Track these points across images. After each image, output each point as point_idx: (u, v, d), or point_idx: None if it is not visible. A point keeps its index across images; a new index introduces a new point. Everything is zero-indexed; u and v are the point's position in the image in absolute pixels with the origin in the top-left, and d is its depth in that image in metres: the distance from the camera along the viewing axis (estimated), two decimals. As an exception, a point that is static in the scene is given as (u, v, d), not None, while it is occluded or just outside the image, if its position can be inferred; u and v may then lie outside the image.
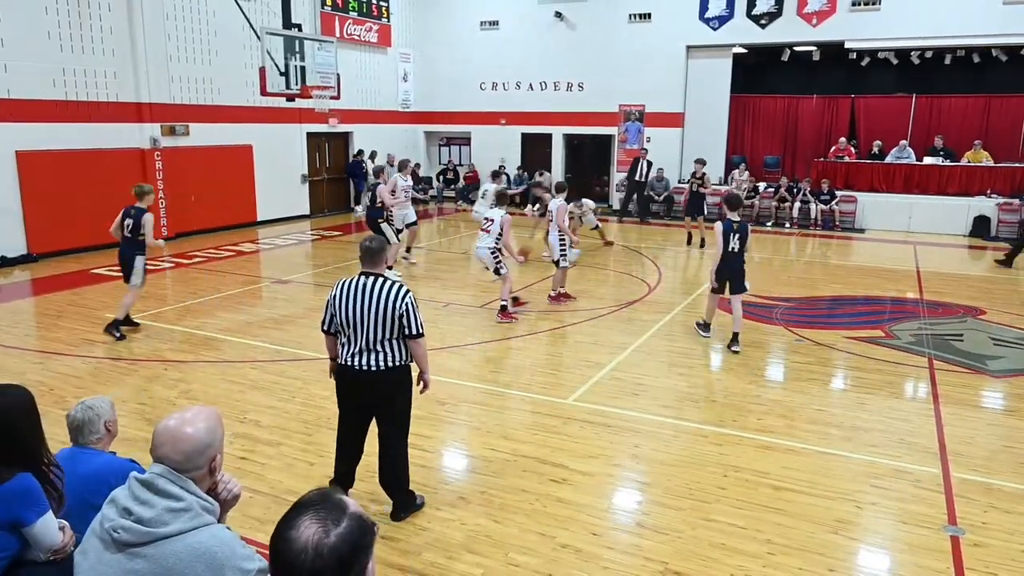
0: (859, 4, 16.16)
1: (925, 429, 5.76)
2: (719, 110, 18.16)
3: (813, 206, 16.81)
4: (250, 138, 15.61)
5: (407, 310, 4.09)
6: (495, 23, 19.89)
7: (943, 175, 16.26)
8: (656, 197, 18.40)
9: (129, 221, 8.02)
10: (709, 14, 17.53)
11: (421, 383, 4.41)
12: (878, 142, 17.48)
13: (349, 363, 4.18)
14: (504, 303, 8.76)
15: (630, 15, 18.28)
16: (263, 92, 12.54)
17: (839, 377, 7.17)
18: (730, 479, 4.87)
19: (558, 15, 18.94)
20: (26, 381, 4.94)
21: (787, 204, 17.11)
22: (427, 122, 21.37)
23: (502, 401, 6.39)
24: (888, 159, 17.09)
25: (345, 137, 18.81)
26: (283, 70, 12.62)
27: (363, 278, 4.16)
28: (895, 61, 17.52)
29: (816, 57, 17.95)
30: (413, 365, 4.34)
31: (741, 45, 17.68)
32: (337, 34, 17.12)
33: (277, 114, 15.89)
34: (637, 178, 17.62)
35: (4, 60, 11.37)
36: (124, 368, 7.02)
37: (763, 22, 17.06)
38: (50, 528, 2.63)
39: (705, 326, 8.24)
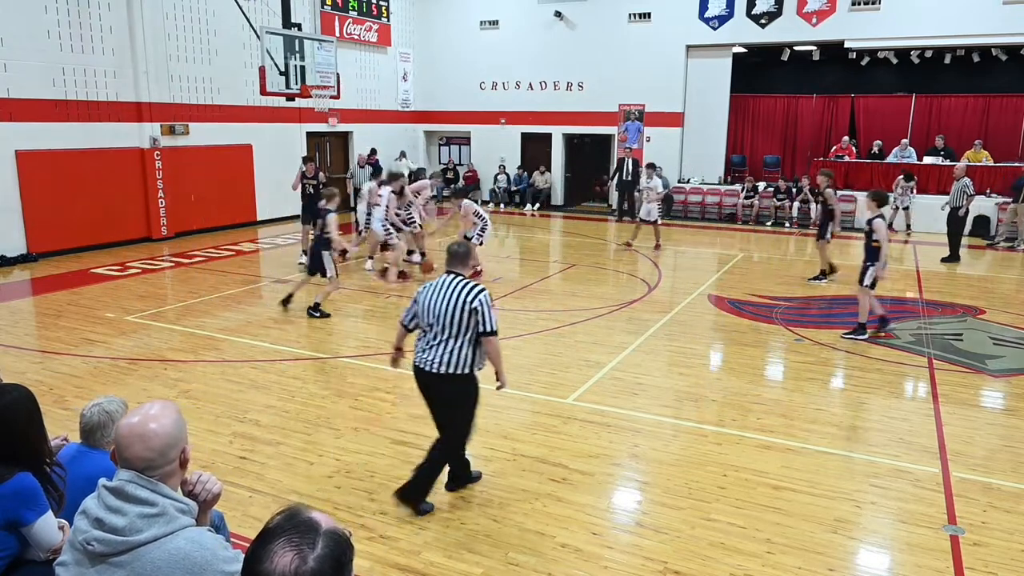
0: (859, 4, 16.17)
1: (925, 428, 5.76)
2: (719, 110, 18.17)
3: (813, 206, 16.80)
4: (250, 138, 15.60)
5: (480, 306, 4.22)
6: (495, 23, 19.89)
7: (943, 175, 16.25)
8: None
9: (319, 220, 8.71)
10: (709, 13, 17.53)
11: (499, 382, 4.51)
12: (878, 142, 17.49)
13: (418, 357, 4.38)
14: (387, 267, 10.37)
15: (630, 14, 18.27)
16: (263, 92, 12.54)
17: (839, 376, 7.18)
18: (730, 478, 4.87)
19: (558, 14, 18.94)
20: (26, 381, 4.94)
21: (786, 204, 17.11)
22: (427, 122, 21.37)
23: (502, 401, 6.38)
24: (890, 159, 17.09)
25: (345, 137, 18.80)
26: (283, 70, 12.62)
27: (446, 276, 4.38)
28: (895, 61, 17.51)
29: (816, 57, 17.96)
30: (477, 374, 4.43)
31: (741, 45, 17.68)
32: (337, 33, 17.12)
33: (277, 114, 15.88)
34: (624, 178, 17.67)
35: (3, 59, 11.36)
36: (124, 368, 7.02)
37: (763, 22, 17.06)
38: (50, 528, 2.64)
39: (862, 328, 8.11)
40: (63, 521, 2.72)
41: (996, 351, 7.83)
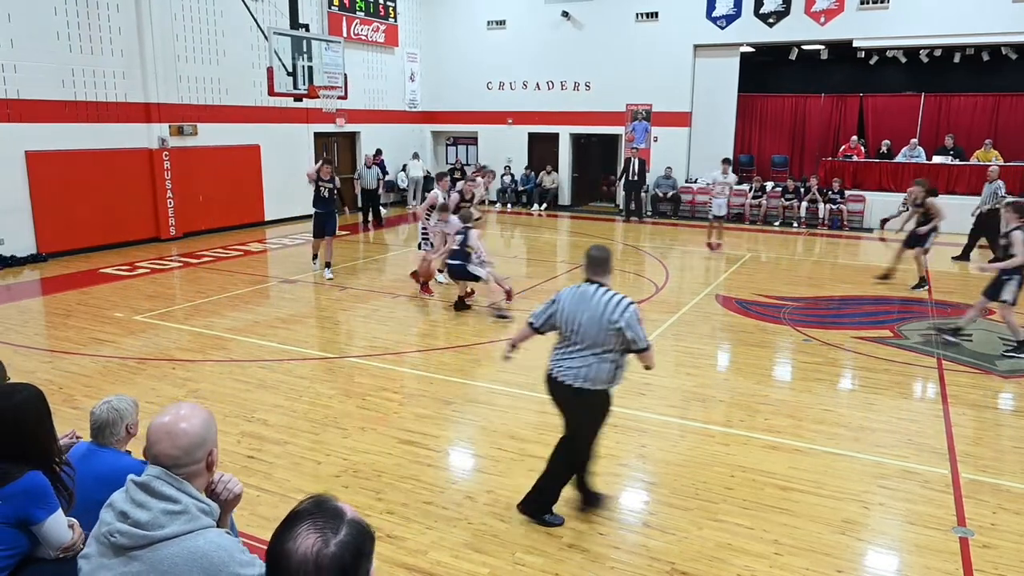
0: (867, 2, 16.10)
1: (933, 429, 5.73)
2: (726, 109, 18.12)
3: (821, 206, 16.76)
4: (258, 138, 15.66)
5: (628, 324, 3.96)
6: (502, 23, 19.90)
7: (952, 174, 16.17)
8: (663, 196, 18.42)
9: (460, 236, 8.95)
10: (716, 13, 17.49)
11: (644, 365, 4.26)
12: (887, 141, 17.41)
13: (554, 365, 4.20)
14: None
15: (637, 14, 18.26)
16: (271, 92, 12.57)
17: (847, 377, 7.15)
18: (737, 479, 4.86)
19: (565, 14, 18.94)
20: (36, 380, 4.97)
21: (794, 203, 17.06)
22: (434, 122, 21.39)
23: (508, 400, 6.39)
24: (899, 158, 17.01)
25: (352, 137, 18.84)
26: (291, 70, 12.64)
27: (587, 285, 4.14)
28: (904, 60, 17.44)
29: (824, 56, 17.90)
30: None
31: (748, 44, 17.64)
32: (344, 34, 17.15)
33: (285, 114, 15.93)
34: (631, 178, 17.68)
35: (13, 61, 11.44)
36: (132, 367, 7.05)
37: (771, 21, 17.01)
38: (60, 526, 2.65)
39: (1021, 346, 7.56)
40: (73, 520, 2.73)
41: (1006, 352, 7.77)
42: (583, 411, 4.16)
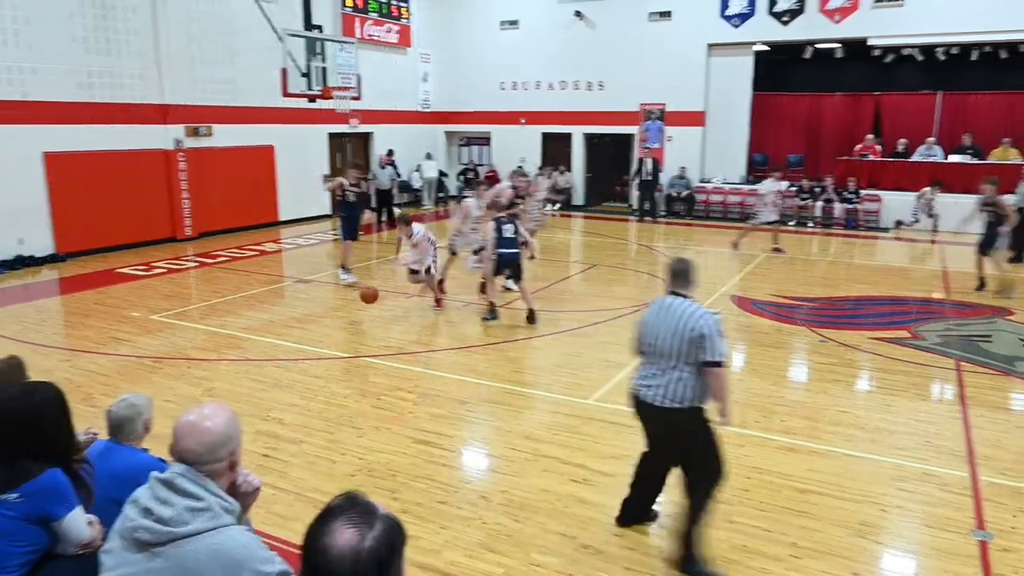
0: (882, 0, 15.96)
1: (952, 431, 5.68)
2: (741, 108, 18.03)
3: (836, 205, 16.63)
4: (272, 139, 15.74)
5: (706, 332, 3.70)
6: (514, 23, 19.90)
7: (970, 174, 15.99)
8: (677, 196, 18.36)
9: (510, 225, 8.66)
10: (730, 11, 17.41)
11: (722, 417, 3.88)
12: (903, 140, 17.24)
13: (639, 387, 3.93)
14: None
15: (650, 13, 18.20)
16: (285, 93, 12.62)
17: (864, 378, 7.09)
18: (753, 481, 4.83)
19: (578, 14, 18.91)
20: (55, 378, 5.00)
21: (809, 203, 16.94)
22: (447, 122, 21.42)
23: (523, 401, 6.38)
24: (915, 157, 16.84)
25: (366, 137, 18.90)
26: (304, 71, 12.70)
27: (671, 298, 3.93)
28: (920, 58, 17.24)
29: (839, 54, 17.75)
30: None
31: (763, 43, 17.53)
32: (358, 35, 17.21)
33: (298, 115, 16.00)
34: (644, 178, 17.64)
35: (31, 63, 11.57)
36: (149, 366, 7.11)
37: (785, 19, 16.91)
38: (79, 523, 2.68)
39: None
40: (92, 516, 2.76)
41: (1025, 353, 7.69)
42: (681, 432, 3.83)
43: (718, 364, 3.73)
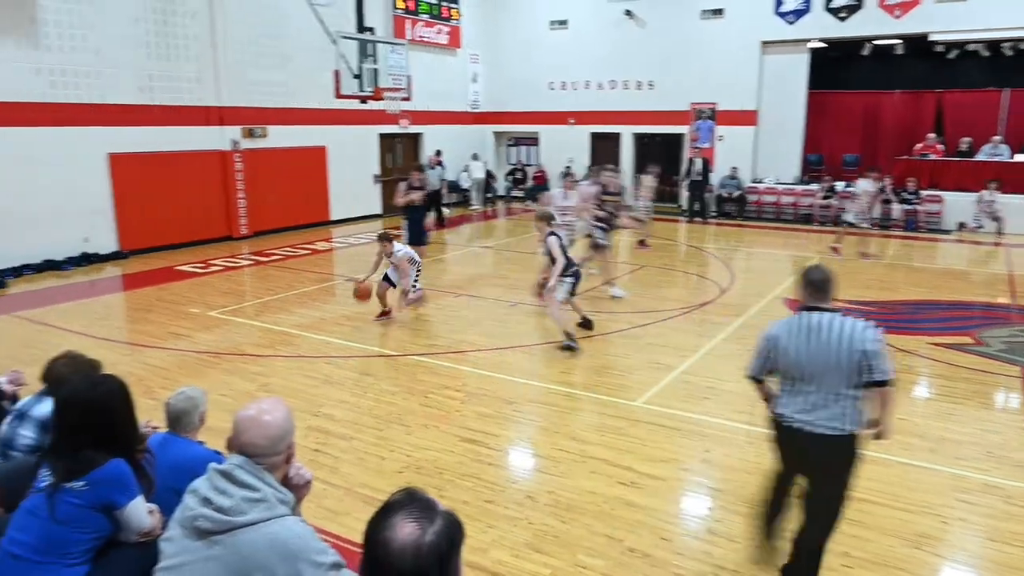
0: (947, -6, 15.43)
1: (1018, 442, 5.45)
2: (795, 107, 17.64)
3: (895, 206, 16.13)
4: (324, 140, 16.04)
5: (873, 350, 3.34)
6: (564, 23, 19.85)
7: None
8: (728, 196, 18.07)
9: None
10: (785, 8, 17.05)
11: (876, 431, 3.53)
12: (967, 139, 16.64)
13: (793, 417, 3.48)
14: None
15: (702, 11, 17.95)
16: (337, 95, 12.85)
17: (923, 385, 6.86)
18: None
19: (628, 13, 18.76)
20: (117, 371, 5.17)
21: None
22: (496, 122, 21.50)
23: (570, 402, 6.37)
24: (980, 156, 16.24)
25: (416, 138, 19.10)
26: (356, 73, 12.91)
27: (815, 315, 3.48)
28: (985, 53, 16.62)
29: (899, 50, 17.22)
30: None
31: (819, 39, 17.11)
32: (408, 37, 17.42)
33: (350, 116, 16.26)
34: (694, 178, 17.40)
35: (98, 67, 12.03)
36: (207, 361, 7.31)
37: (842, 15, 16.48)
38: (140, 512, 2.77)
39: None
40: (153, 506, 2.85)
41: (1098, 361, 7.34)
42: (842, 463, 3.44)
43: (887, 382, 3.38)
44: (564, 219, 9.43)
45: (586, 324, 8.23)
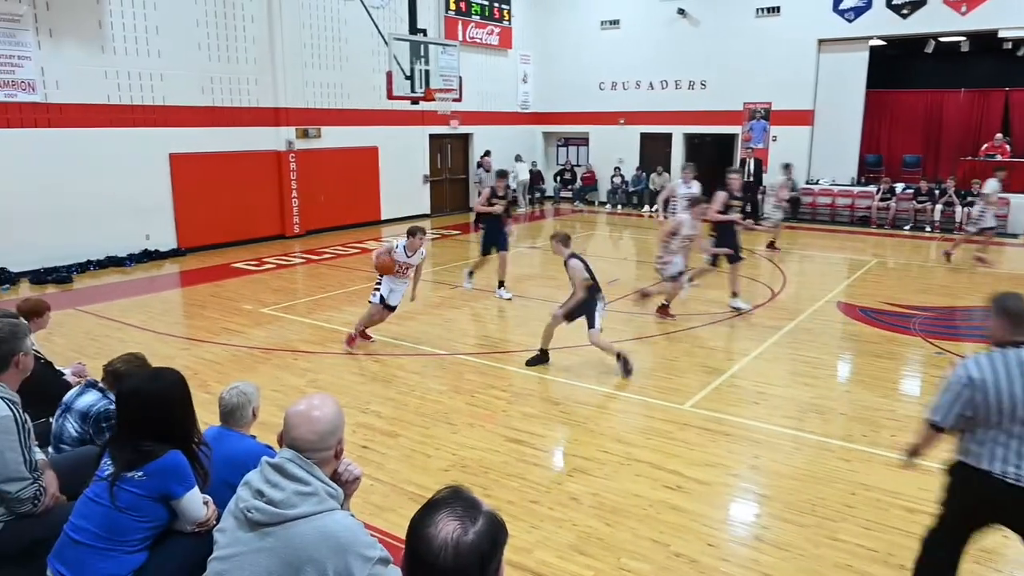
0: (1017, -12, 14.83)
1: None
2: (853, 106, 17.16)
3: (958, 209, 15.58)
4: (376, 140, 16.27)
5: None
6: (615, 22, 19.73)
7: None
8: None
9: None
10: (844, 5, 16.62)
11: None
12: (1036, 139, 15.98)
13: (1007, 475, 3.07)
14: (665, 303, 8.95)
15: (757, 9, 17.62)
16: (389, 96, 13.03)
17: None
18: (858, 497, 4.60)
19: (681, 12, 18.54)
20: (174, 365, 5.34)
21: (928, 206, 15.96)
22: (545, 123, 21.50)
23: (616, 404, 6.33)
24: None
25: (465, 138, 19.22)
26: (408, 74, 13.06)
27: (1016, 349, 3.08)
28: (1058, 50, 15.93)
29: (965, 48, 16.60)
30: None
31: (879, 37, 16.62)
32: (460, 38, 17.54)
33: (401, 117, 16.46)
34: (746, 179, 17.03)
35: (161, 70, 12.44)
36: (259, 356, 7.49)
37: (905, 12, 15.97)
38: (196, 502, 2.85)
39: None
40: (207, 497, 2.93)
41: None
42: None
43: None
44: (684, 211, 9.31)
45: (626, 367, 6.84)
